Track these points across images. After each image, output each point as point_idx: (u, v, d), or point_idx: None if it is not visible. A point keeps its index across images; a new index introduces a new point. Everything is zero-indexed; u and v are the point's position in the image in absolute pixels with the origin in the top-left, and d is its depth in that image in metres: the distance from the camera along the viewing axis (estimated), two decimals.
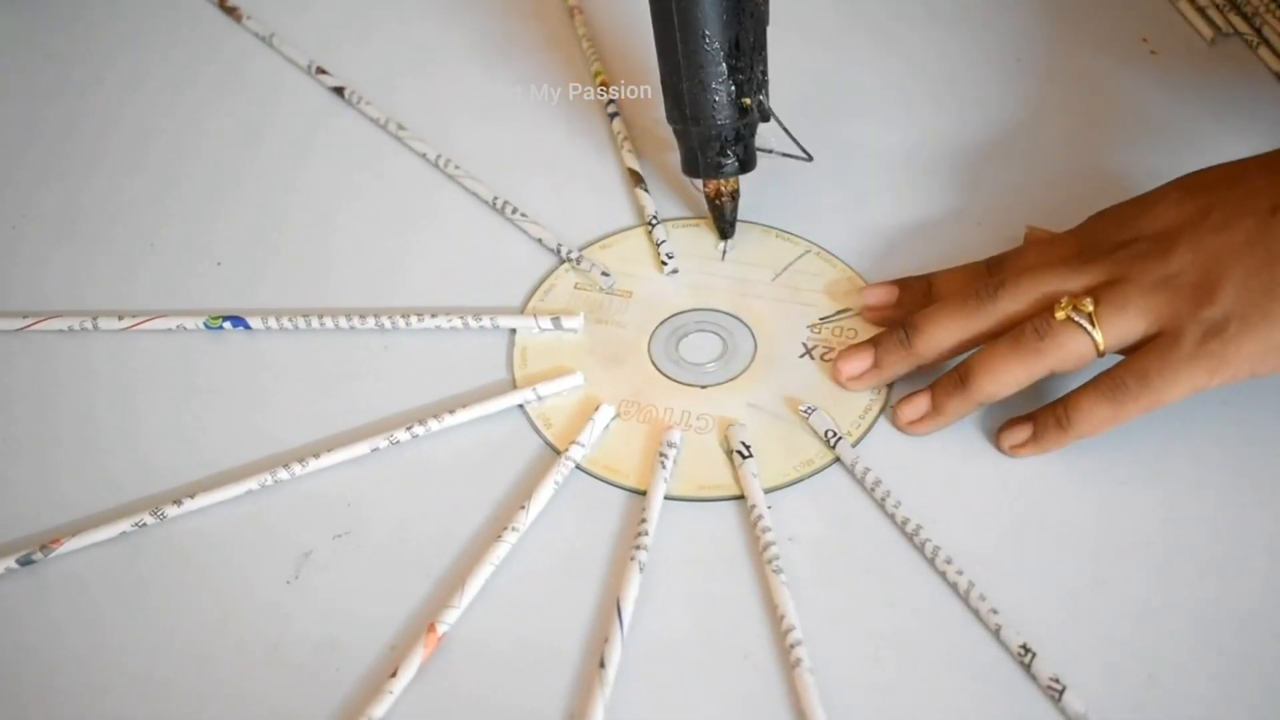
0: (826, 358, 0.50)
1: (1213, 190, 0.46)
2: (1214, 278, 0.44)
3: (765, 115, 0.52)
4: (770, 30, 0.51)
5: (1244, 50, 0.64)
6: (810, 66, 0.63)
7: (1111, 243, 0.47)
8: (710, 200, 0.54)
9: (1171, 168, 0.49)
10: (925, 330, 0.48)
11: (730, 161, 0.53)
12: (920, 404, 0.48)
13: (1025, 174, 0.58)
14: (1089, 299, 0.45)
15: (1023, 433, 0.47)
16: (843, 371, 0.49)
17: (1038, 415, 0.47)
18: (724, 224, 0.55)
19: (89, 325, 0.53)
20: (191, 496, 0.46)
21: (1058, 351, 0.45)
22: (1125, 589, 0.43)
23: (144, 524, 0.46)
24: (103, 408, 0.51)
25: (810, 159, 0.53)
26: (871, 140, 0.59)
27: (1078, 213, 0.49)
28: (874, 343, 0.49)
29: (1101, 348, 0.45)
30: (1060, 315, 0.45)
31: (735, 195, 0.54)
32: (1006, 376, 0.46)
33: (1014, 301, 0.47)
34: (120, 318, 0.53)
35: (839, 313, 0.52)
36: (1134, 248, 0.46)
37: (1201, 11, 0.64)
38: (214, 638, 0.43)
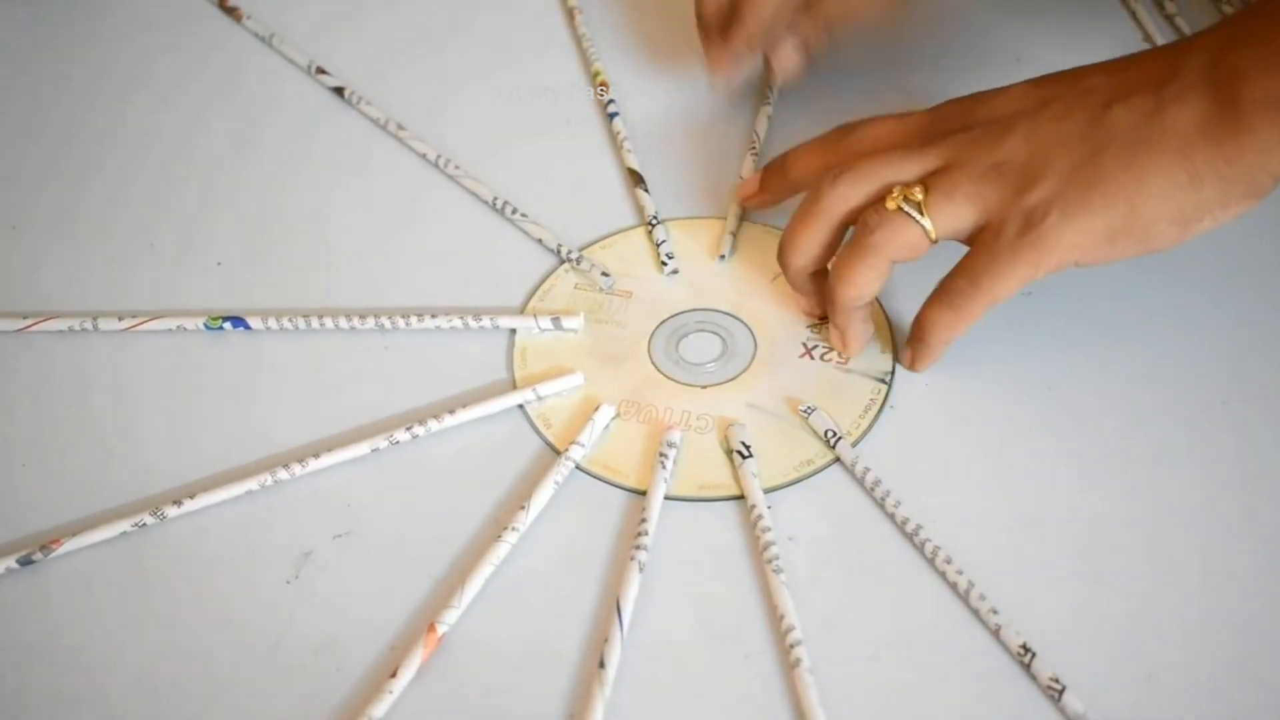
0: (826, 357, 0.50)
1: (1055, 85, 0.46)
2: (1039, 165, 0.44)
3: None
4: None
5: None
6: (810, 64, 0.62)
7: (954, 126, 0.47)
8: None
9: None
10: (788, 242, 0.49)
11: None
12: (833, 332, 0.50)
13: None
14: (919, 188, 0.45)
15: (905, 354, 0.49)
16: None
17: (910, 334, 0.49)
18: None
19: (89, 326, 0.53)
20: (192, 496, 0.46)
21: (892, 242, 0.46)
22: (1125, 589, 0.43)
23: (144, 524, 0.46)
24: (103, 408, 0.51)
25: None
26: None
27: None
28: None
29: (933, 236, 0.45)
30: (891, 205, 0.46)
31: None
32: (859, 278, 0.47)
33: (854, 188, 0.47)
34: (120, 318, 0.53)
35: None
36: (972, 132, 0.46)
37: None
38: (214, 638, 0.43)
